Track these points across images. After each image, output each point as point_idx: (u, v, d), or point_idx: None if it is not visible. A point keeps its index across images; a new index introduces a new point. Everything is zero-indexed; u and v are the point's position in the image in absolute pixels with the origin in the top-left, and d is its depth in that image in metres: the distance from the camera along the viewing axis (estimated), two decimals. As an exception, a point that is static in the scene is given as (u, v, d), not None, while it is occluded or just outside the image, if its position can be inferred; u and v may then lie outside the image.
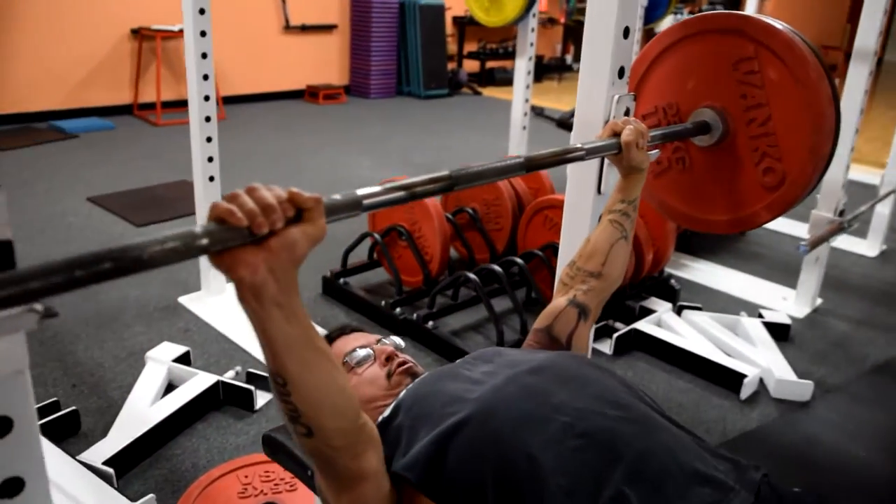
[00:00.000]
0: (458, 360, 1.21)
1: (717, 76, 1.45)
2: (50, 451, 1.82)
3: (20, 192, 4.04)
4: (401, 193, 0.89)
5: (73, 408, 2.01)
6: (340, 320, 2.83)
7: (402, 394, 1.11)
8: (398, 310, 2.77)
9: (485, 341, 2.73)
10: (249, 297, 0.73)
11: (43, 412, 1.97)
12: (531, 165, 1.08)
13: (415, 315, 2.70)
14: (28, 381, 0.74)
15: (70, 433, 1.99)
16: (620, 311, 2.83)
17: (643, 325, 2.71)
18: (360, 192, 0.84)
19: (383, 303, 2.81)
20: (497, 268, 2.62)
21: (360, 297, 2.92)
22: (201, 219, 2.75)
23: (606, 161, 1.42)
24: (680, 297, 3.02)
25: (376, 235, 3.00)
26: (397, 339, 1.36)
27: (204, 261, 2.80)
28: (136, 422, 1.97)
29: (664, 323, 2.78)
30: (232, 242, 0.69)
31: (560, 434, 0.91)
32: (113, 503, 1.67)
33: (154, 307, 2.82)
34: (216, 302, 2.87)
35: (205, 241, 0.66)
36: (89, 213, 3.77)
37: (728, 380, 2.42)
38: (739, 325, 2.78)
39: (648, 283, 3.01)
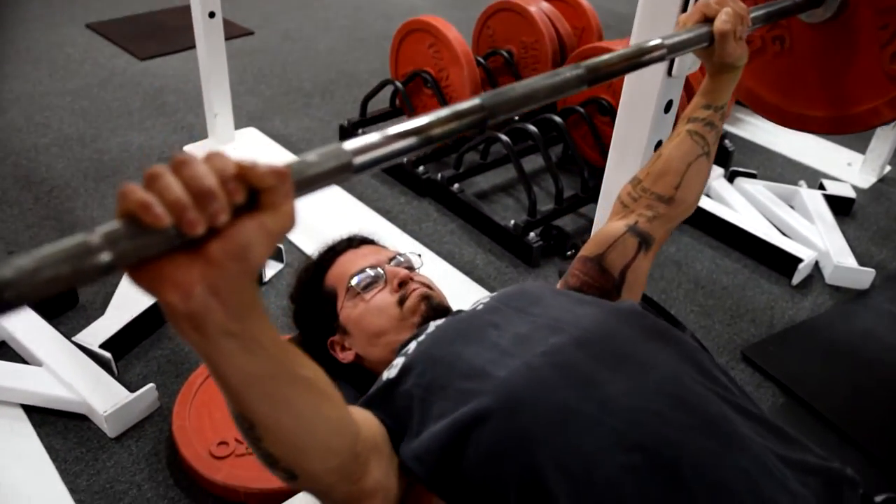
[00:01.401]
0: (484, 303, 0.99)
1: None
2: (45, 331, 1.71)
3: (12, 17, 3.69)
4: (410, 140, 0.61)
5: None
6: (360, 178, 2.60)
7: (411, 348, 0.91)
8: (421, 168, 2.53)
9: (515, 204, 2.51)
10: (187, 329, 0.50)
11: (37, 283, 1.83)
12: (595, 77, 0.79)
13: (439, 175, 2.46)
14: None
15: (67, 307, 1.86)
16: (666, 177, 2.56)
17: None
18: (349, 145, 0.56)
19: (405, 160, 2.57)
20: (531, 127, 2.34)
21: (381, 151, 2.67)
22: (203, 61, 2.45)
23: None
24: (733, 160, 2.73)
25: (398, 83, 2.69)
26: (414, 257, 1.15)
27: (210, 103, 2.55)
28: (136, 296, 1.83)
29: (714, 192, 2.52)
30: (149, 250, 0.44)
31: (607, 442, 0.71)
32: (111, 392, 1.56)
33: (158, 157, 2.60)
34: (224, 152, 2.64)
35: (105, 258, 0.42)
36: (88, 43, 3.45)
37: (780, 262, 2.20)
38: (797, 197, 2.51)
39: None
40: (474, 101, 0.66)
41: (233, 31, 3.52)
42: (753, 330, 2.00)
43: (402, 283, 1.05)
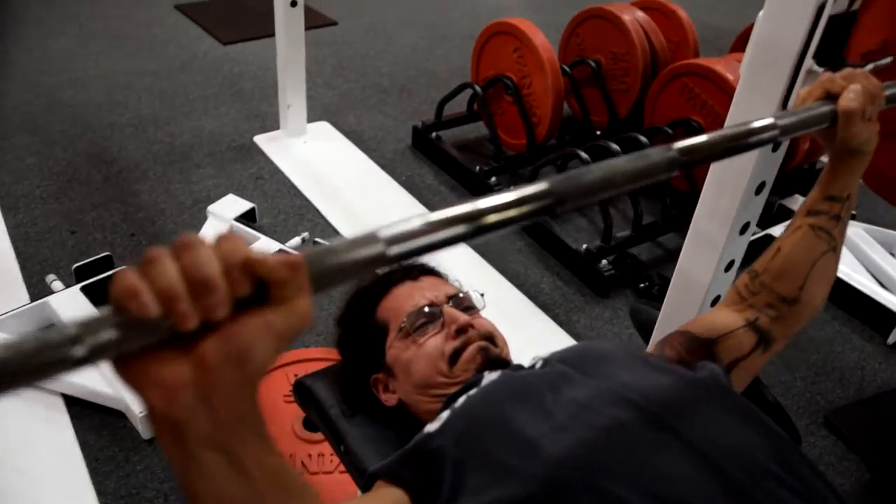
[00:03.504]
0: (543, 359, 0.88)
1: None
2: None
3: (107, -6, 3.77)
4: (459, 229, 0.51)
5: (124, 267, 1.85)
6: (427, 182, 2.52)
7: (459, 402, 0.81)
8: (493, 179, 2.42)
9: (589, 226, 2.37)
10: (164, 436, 0.43)
11: (93, 269, 1.81)
12: (689, 161, 0.64)
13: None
14: None
15: (120, 295, 1.84)
16: (756, 210, 2.37)
17: (781, 231, 2.26)
18: (384, 232, 0.47)
19: (478, 168, 2.46)
20: (614, 145, 2.19)
21: (453, 156, 2.57)
22: (281, 51, 2.40)
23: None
24: (832, 197, 2.50)
25: (477, 87, 2.58)
26: (476, 296, 1.04)
27: (285, 94, 2.49)
28: (188, 292, 1.79)
29: (808, 231, 2.31)
30: (134, 343, 0.39)
31: None
32: (149, 392, 1.52)
33: (227, 146, 2.58)
34: (294, 146, 2.60)
35: (80, 352, 0.37)
36: (175, 25, 3.47)
37: (876, 317, 1.99)
38: (902, 246, 2.28)
39: (794, 175, 2.50)
40: (541, 186, 0.55)
41: (316, 21, 3.48)
42: (840, 391, 1.81)
43: (461, 331, 0.95)
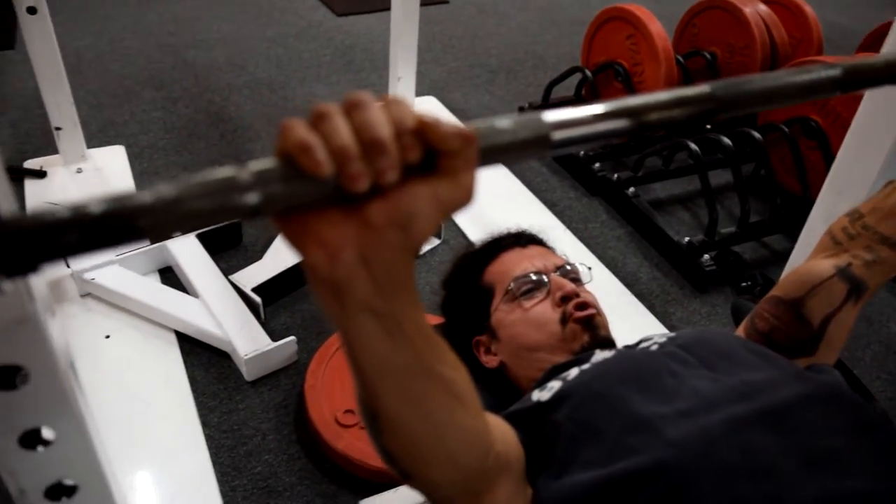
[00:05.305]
0: (659, 343, 0.87)
1: None
2: (207, 265, 1.77)
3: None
4: (621, 122, 0.51)
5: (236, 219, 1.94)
6: (530, 163, 2.51)
7: (571, 374, 0.81)
8: (597, 165, 2.39)
9: (692, 220, 2.32)
10: (326, 295, 0.44)
11: (208, 218, 1.91)
12: (852, 82, 0.62)
13: (615, 176, 2.32)
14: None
15: (231, 245, 1.93)
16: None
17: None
18: (549, 116, 0.47)
19: (581, 153, 2.44)
20: (725, 139, 2.13)
21: (556, 140, 2.56)
22: (395, 24, 2.44)
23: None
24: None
25: (587, 71, 2.55)
26: (583, 269, 1.05)
27: (395, 67, 2.53)
28: (294, 248, 1.86)
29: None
30: (301, 199, 0.39)
31: None
32: (254, 337, 1.59)
33: (337, 113, 2.65)
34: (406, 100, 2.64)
35: (253, 199, 0.37)
36: (293, -6, 3.59)
37: None
38: None
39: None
40: (702, 89, 0.54)
41: (429, -2, 3.51)
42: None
43: (566, 298, 0.96)
